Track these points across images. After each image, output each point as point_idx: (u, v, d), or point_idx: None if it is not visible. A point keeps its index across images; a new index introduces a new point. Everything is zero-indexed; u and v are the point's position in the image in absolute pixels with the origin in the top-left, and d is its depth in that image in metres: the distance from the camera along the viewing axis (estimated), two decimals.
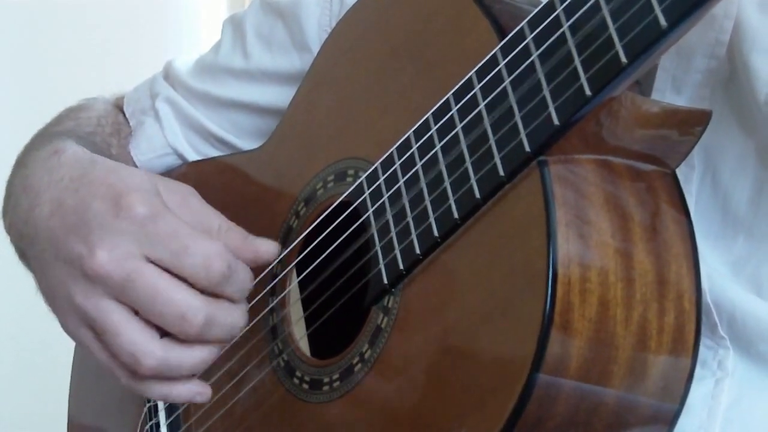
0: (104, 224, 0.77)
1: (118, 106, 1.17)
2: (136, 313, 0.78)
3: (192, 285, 0.77)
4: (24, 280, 0.93)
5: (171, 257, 0.76)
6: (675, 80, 0.78)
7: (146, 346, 0.77)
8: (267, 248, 0.81)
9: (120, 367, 0.80)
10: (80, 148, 0.92)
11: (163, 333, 0.78)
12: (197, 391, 0.81)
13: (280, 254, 0.89)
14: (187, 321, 0.76)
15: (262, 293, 0.91)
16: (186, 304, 0.76)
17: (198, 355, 0.79)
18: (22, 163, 0.97)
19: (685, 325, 0.71)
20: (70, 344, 1.17)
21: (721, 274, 0.80)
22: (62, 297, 0.81)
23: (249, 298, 0.84)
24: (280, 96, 1.05)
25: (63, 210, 0.82)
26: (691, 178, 0.79)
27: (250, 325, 0.89)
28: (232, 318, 0.79)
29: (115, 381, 0.83)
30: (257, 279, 0.90)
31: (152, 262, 0.77)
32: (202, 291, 0.77)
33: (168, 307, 0.76)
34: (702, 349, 0.72)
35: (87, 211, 0.79)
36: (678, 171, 0.75)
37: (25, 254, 0.92)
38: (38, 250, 0.84)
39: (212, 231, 0.80)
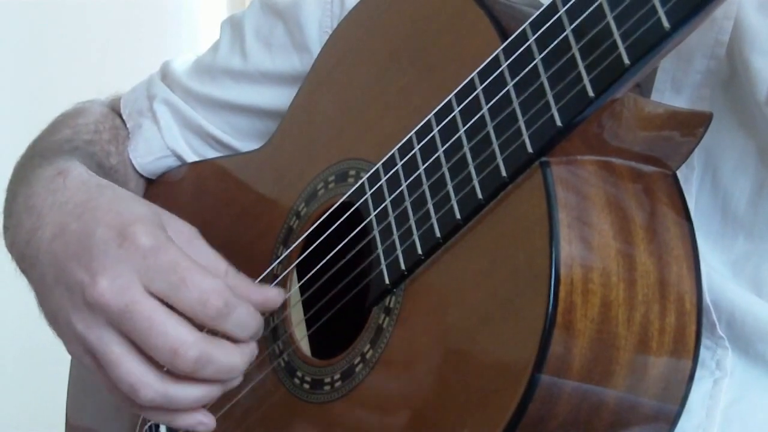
0: (107, 252, 0.77)
1: (115, 108, 1.16)
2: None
3: (190, 320, 0.77)
4: (24, 282, 0.93)
5: (169, 290, 0.76)
6: (675, 80, 0.79)
7: (144, 380, 0.77)
8: (275, 294, 0.82)
9: (122, 396, 0.80)
10: (85, 169, 0.92)
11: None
12: (200, 421, 0.81)
13: (283, 253, 0.89)
14: (179, 356, 0.76)
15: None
16: (179, 339, 0.76)
17: (197, 392, 0.79)
18: (24, 179, 0.96)
19: (686, 327, 0.71)
20: None
21: (720, 273, 0.80)
22: (64, 323, 0.81)
23: None
24: (279, 98, 1.05)
25: (66, 235, 0.82)
26: (690, 178, 0.80)
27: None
28: (229, 358, 0.78)
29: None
30: (259, 279, 0.91)
31: (152, 294, 0.77)
32: (202, 328, 0.77)
33: (162, 340, 0.76)
34: (701, 349, 0.72)
35: (91, 237, 0.79)
36: (678, 171, 0.75)
37: (26, 274, 0.92)
38: (39, 273, 0.84)
39: (218, 272, 0.80)
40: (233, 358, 0.78)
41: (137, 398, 0.78)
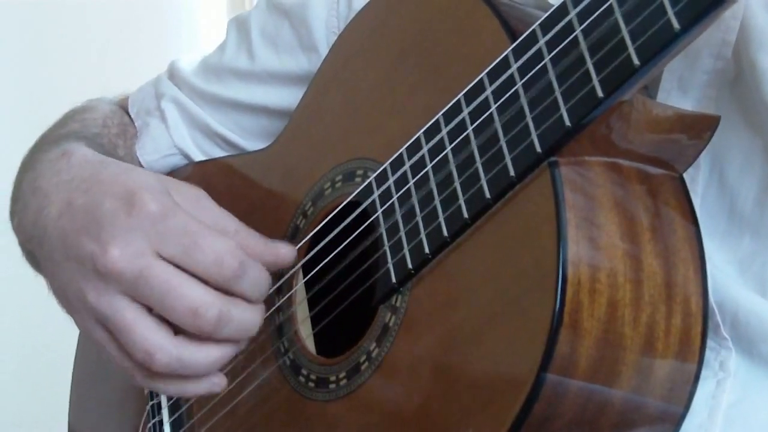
0: (116, 222, 0.78)
1: (123, 106, 1.17)
2: (150, 310, 0.78)
3: (205, 282, 0.77)
4: (26, 283, 0.93)
5: (183, 254, 0.77)
6: (681, 81, 0.79)
7: (160, 343, 0.78)
8: (287, 251, 0.82)
9: (134, 366, 0.80)
10: (89, 150, 0.92)
11: (178, 331, 0.78)
12: (213, 383, 0.81)
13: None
14: (199, 316, 0.76)
15: (269, 292, 0.91)
16: (199, 300, 0.76)
17: (213, 353, 0.79)
18: (29, 166, 0.97)
19: (692, 328, 0.72)
20: (72, 346, 1.17)
21: (725, 273, 0.80)
22: (74, 296, 0.81)
23: None
24: (286, 97, 1.05)
25: (73, 210, 0.82)
26: (697, 177, 0.80)
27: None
28: (247, 316, 0.79)
29: (118, 382, 0.83)
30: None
31: (164, 259, 0.77)
32: (217, 288, 0.77)
33: (180, 302, 0.76)
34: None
35: (98, 209, 0.79)
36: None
37: (34, 256, 0.92)
38: (48, 251, 0.84)
39: (227, 232, 0.80)
40: (250, 315, 0.79)
41: (152, 364, 0.78)
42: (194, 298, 0.76)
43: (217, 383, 0.81)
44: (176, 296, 0.76)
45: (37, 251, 0.88)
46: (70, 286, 0.81)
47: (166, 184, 0.81)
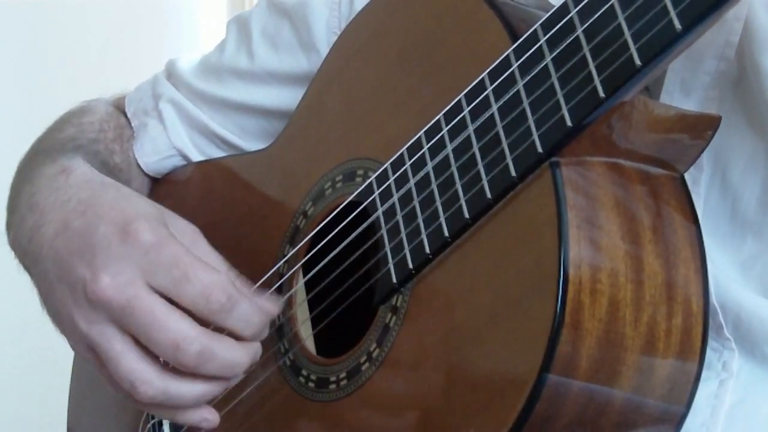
0: (110, 249, 0.78)
1: (119, 107, 1.16)
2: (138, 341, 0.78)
3: (193, 315, 0.77)
4: (26, 283, 0.93)
5: (172, 285, 0.77)
6: (684, 82, 0.79)
7: (144, 376, 0.78)
8: (270, 306, 0.81)
9: (124, 392, 0.80)
10: (89, 167, 0.92)
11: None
12: (203, 417, 0.81)
13: (289, 252, 0.89)
14: (180, 350, 0.76)
15: (269, 293, 0.91)
16: (181, 333, 0.76)
17: (197, 389, 0.79)
18: (27, 177, 0.96)
19: (693, 328, 0.72)
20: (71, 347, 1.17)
21: (728, 275, 0.80)
22: (66, 319, 0.81)
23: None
24: (286, 97, 1.05)
25: (69, 231, 0.82)
26: (699, 179, 0.80)
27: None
28: (232, 354, 0.78)
29: None
30: (261, 278, 0.91)
31: (154, 289, 0.77)
32: (206, 323, 0.78)
33: (164, 335, 0.76)
34: (707, 351, 0.72)
35: (93, 234, 0.79)
36: (687, 172, 0.76)
37: (28, 270, 0.92)
38: (42, 270, 0.84)
39: (218, 270, 0.80)
40: (236, 354, 0.78)
41: (138, 396, 0.78)
42: (177, 332, 0.76)
43: (209, 419, 0.81)
44: (159, 328, 0.76)
45: (32, 268, 0.88)
46: (61, 309, 0.82)
47: (164, 214, 0.81)
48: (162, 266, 0.77)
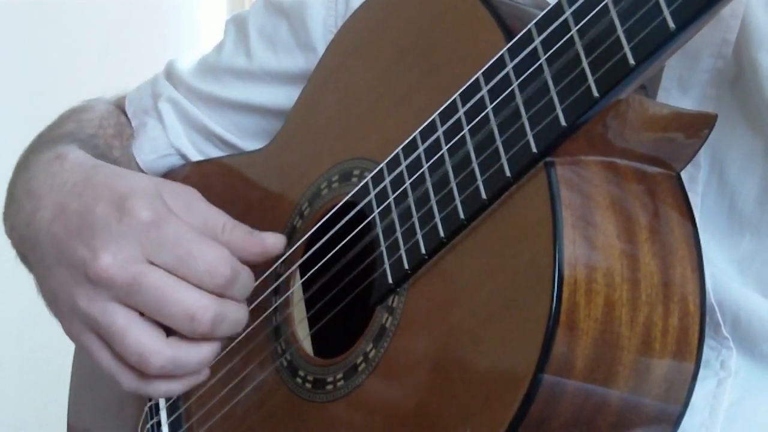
0: (108, 228, 0.78)
1: (120, 106, 1.16)
2: (141, 314, 0.79)
3: (197, 287, 0.78)
4: (26, 283, 0.93)
5: (176, 262, 0.78)
6: (681, 80, 0.79)
7: (154, 346, 0.79)
8: (274, 241, 0.83)
9: (125, 371, 0.80)
10: (83, 153, 0.92)
11: (169, 332, 0.79)
12: (199, 380, 0.83)
13: (285, 252, 0.89)
14: (196, 320, 0.78)
15: (266, 293, 0.91)
16: (195, 304, 0.78)
17: (205, 351, 0.81)
18: (24, 166, 0.97)
19: (689, 328, 0.71)
20: (71, 346, 1.17)
21: (726, 273, 0.80)
22: (65, 301, 0.81)
23: (253, 298, 0.85)
24: (283, 97, 1.05)
25: (66, 214, 0.82)
26: (697, 177, 0.79)
27: (254, 324, 0.89)
28: (239, 314, 0.81)
29: (115, 384, 0.83)
30: (260, 279, 0.91)
31: (156, 265, 0.78)
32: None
33: (177, 307, 0.77)
34: (705, 350, 0.72)
35: (90, 214, 0.80)
36: (684, 170, 0.75)
37: (26, 258, 0.92)
38: (40, 254, 0.85)
39: (217, 231, 0.81)
40: (241, 312, 0.81)
41: (147, 367, 0.79)
42: (191, 303, 0.78)
43: (203, 373, 0.83)
44: (172, 302, 0.77)
45: (29, 254, 0.88)
46: (61, 291, 0.81)
47: (159, 186, 0.81)
48: (164, 244, 0.78)
